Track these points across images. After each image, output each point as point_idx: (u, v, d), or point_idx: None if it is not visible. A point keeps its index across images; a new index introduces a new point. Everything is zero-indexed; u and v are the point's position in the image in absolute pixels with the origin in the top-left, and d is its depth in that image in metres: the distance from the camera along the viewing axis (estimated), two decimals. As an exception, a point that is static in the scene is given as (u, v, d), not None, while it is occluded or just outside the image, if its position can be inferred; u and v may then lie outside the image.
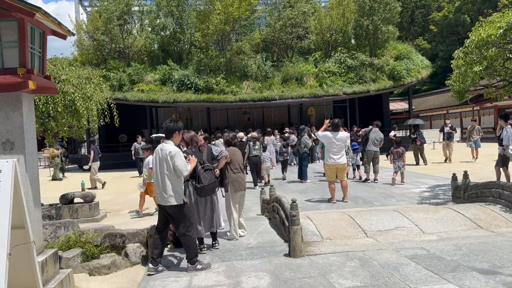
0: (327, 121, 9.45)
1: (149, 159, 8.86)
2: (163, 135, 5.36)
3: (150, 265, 5.12)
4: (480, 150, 16.75)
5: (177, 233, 5.29)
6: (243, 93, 22.00)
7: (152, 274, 5.02)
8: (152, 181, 8.79)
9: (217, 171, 6.05)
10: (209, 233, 5.97)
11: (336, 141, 8.88)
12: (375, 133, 12.25)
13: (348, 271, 4.69)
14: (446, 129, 17.04)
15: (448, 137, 16.80)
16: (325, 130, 9.19)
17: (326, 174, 9.62)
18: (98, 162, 15.01)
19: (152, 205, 9.69)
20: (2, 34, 3.89)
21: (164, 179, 5.02)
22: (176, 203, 5.03)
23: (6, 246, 3.17)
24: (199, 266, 5.07)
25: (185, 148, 5.94)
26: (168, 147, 5.08)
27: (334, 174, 9.15)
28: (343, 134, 9.14)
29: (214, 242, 5.99)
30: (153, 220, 7.75)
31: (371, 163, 12.25)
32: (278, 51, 24.61)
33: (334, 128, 9.03)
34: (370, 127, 12.67)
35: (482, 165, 14.89)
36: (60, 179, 18.27)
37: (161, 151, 5.09)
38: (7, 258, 3.15)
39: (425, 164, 16.13)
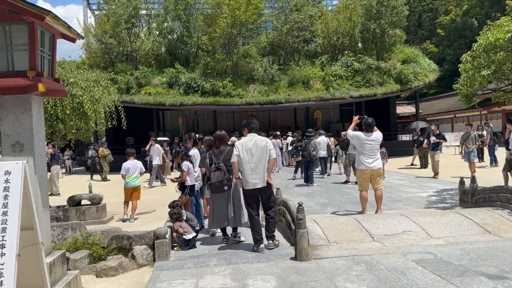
0: (356, 118, 8.44)
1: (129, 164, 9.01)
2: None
3: (270, 241, 5.97)
4: (477, 161, 14.12)
5: (269, 210, 6.06)
6: (249, 96, 22.05)
7: (272, 248, 5.89)
8: (129, 186, 8.91)
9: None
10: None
11: (369, 143, 7.76)
12: None
13: (355, 275, 4.67)
14: (432, 138, 14.22)
15: (434, 147, 13.98)
16: (355, 129, 8.29)
17: (358, 182, 8.20)
18: (58, 166, 14.59)
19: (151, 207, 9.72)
20: (13, 37, 3.93)
21: (262, 165, 5.94)
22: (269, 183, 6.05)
23: (15, 247, 3.20)
24: (276, 242, 6.01)
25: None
26: (264, 139, 6.14)
27: (367, 182, 7.85)
28: (378, 134, 7.93)
29: (234, 233, 6.59)
30: (158, 223, 7.78)
31: (352, 167, 12.73)
32: (284, 54, 24.66)
33: (368, 128, 7.87)
34: None
35: (489, 169, 14.78)
36: (108, 180, 17.58)
37: (257, 142, 6.01)
38: (16, 259, 3.18)
39: (425, 167, 16.09)
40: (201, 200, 8.08)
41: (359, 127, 8.44)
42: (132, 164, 9.02)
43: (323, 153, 14.77)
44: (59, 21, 4.12)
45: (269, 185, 6.04)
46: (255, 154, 5.94)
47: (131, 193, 8.99)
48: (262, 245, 5.86)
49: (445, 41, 48.42)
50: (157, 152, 14.95)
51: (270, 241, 5.97)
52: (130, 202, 9.07)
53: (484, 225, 6.35)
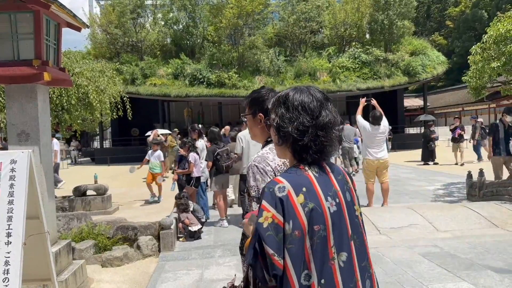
0: (363, 100, 8.31)
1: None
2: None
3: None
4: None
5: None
6: (255, 88, 21.95)
7: None
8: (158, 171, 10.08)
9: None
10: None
11: (377, 136, 7.68)
12: (347, 131, 12.98)
13: (360, 268, 4.65)
14: (458, 131, 14.07)
15: (460, 139, 14.30)
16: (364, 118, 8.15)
17: (364, 174, 8.06)
18: None
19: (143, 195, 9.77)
20: (18, 26, 3.91)
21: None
22: None
23: (21, 236, 3.20)
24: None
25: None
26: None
27: (374, 174, 7.77)
28: (385, 124, 7.86)
29: None
30: (164, 214, 7.80)
31: (348, 159, 13.14)
32: (291, 45, 24.46)
33: (375, 122, 7.76)
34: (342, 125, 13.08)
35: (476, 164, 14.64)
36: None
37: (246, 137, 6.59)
38: (22, 247, 3.19)
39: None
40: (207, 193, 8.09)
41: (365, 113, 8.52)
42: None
43: None
44: (65, 10, 4.08)
45: None
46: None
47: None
48: None
49: (454, 33, 47.93)
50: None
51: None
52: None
53: (492, 218, 6.29)
